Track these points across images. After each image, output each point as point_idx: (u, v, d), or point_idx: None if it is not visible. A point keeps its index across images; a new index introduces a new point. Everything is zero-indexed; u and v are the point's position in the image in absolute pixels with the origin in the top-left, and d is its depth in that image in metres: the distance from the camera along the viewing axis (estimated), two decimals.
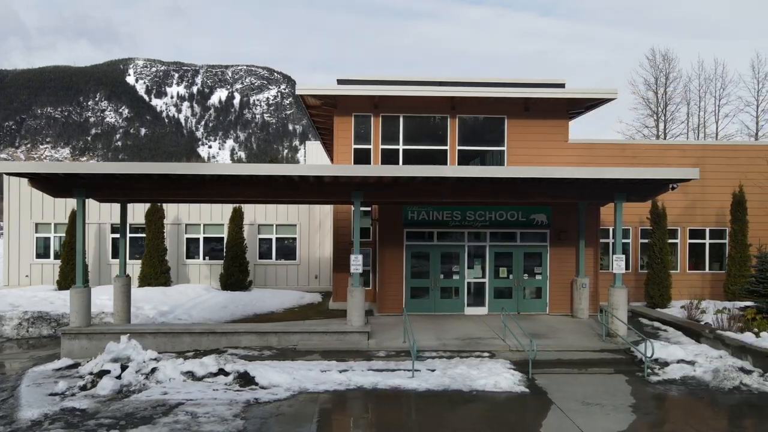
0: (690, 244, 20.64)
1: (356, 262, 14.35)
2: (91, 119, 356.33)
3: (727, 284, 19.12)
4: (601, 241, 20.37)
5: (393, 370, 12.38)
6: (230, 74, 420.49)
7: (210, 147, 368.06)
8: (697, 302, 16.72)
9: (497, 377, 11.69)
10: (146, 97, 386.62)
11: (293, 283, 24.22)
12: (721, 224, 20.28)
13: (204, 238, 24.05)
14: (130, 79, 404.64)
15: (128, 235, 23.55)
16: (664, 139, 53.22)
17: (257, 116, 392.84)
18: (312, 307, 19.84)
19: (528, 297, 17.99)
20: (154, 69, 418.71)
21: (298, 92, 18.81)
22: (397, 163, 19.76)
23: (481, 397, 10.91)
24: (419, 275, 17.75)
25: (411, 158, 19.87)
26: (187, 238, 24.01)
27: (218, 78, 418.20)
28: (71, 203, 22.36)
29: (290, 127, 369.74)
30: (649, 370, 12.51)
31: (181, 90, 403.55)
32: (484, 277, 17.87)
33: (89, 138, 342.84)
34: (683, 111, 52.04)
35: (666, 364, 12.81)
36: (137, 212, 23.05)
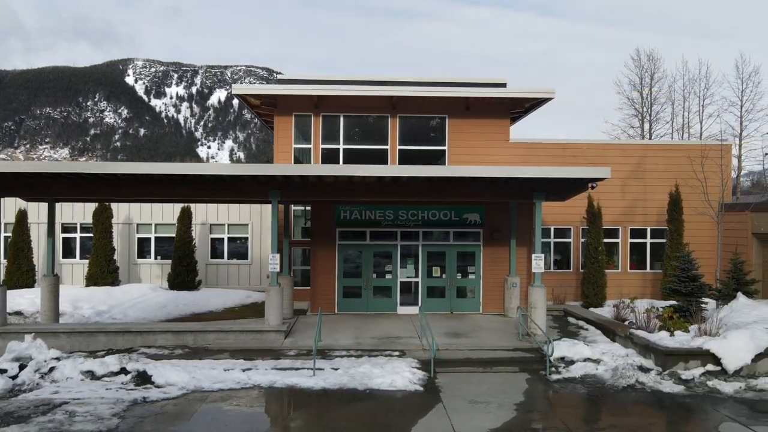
0: (631, 243, 20.65)
1: (273, 261, 14.41)
2: (90, 120, 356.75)
3: (663, 283, 19.13)
4: (543, 240, 20.44)
5: (297, 369, 12.44)
6: (229, 74, 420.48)
7: (209, 147, 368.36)
8: (630, 301, 16.74)
9: (395, 376, 11.75)
10: (145, 98, 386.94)
11: (245, 283, 24.27)
12: (662, 224, 20.27)
13: (156, 237, 24.10)
14: (130, 80, 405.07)
15: (79, 234, 23.79)
16: (650, 139, 53.27)
17: (256, 117, 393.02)
18: (253, 307, 19.88)
19: (461, 296, 18.03)
20: (153, 69, 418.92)
21: (234, 92, 18.90)
22: (338, 162, 19.81)
23: (374, 395, 10.97)
24: (352, 275, 17.80)
25: (352, 158, 19.91)
26: (138, 238, 24.07)
27: (217, 78, 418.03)
28: (20, 203, 22.45)
29: None
30: (552, 369, 12.57)
31: (181, 90, 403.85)
32: (417, 276, 17.92)
33: (88, 138, 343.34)
34: (668, 111, 51.93)
35: (572, 362, 12.87)
36: (87, 212, 23.13)
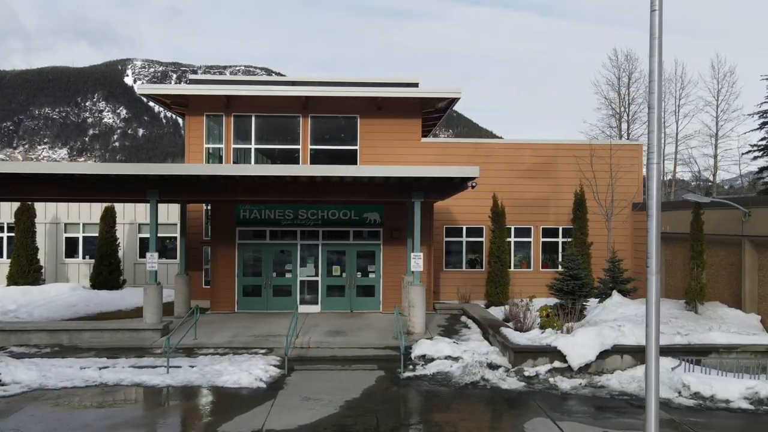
0: (543, 242, 20.76)
1: (151, 260, 14.58)
2: (89, 120, 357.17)
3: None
4: (456, 240, 20.59)
5: (154, 367, 12.58)
6: (228, 74, 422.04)
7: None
8: (528, 300, 16.84)
9: (243, 374, 11.88)
10: (144, 98, 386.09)
11: (173, 282, 24.42)
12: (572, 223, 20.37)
13: (84, 237, 24.30)
14: (128, 80, 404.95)
15: (6, 234, 23.98)
16: (627, 139, 53.30)
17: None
18: (164, 306, 20.02)
19: (361, 295, 18.17)
20: (152, 69, 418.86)
21: (141, 92, 19.11)
22: (250, 162, 19.97)
23: (215, 392, 11.15)
24: (252, 274, 17.97)
25: (264, 157, 20.08)
26: (67, 237, 24.27)
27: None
28: None
29: None
30: (410, 366, 12.71)
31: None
32: (317, 275, 18.07)
33: (87, 139, 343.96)
34: (646, 111, 52.03)
35: (432, 360, 13.00)
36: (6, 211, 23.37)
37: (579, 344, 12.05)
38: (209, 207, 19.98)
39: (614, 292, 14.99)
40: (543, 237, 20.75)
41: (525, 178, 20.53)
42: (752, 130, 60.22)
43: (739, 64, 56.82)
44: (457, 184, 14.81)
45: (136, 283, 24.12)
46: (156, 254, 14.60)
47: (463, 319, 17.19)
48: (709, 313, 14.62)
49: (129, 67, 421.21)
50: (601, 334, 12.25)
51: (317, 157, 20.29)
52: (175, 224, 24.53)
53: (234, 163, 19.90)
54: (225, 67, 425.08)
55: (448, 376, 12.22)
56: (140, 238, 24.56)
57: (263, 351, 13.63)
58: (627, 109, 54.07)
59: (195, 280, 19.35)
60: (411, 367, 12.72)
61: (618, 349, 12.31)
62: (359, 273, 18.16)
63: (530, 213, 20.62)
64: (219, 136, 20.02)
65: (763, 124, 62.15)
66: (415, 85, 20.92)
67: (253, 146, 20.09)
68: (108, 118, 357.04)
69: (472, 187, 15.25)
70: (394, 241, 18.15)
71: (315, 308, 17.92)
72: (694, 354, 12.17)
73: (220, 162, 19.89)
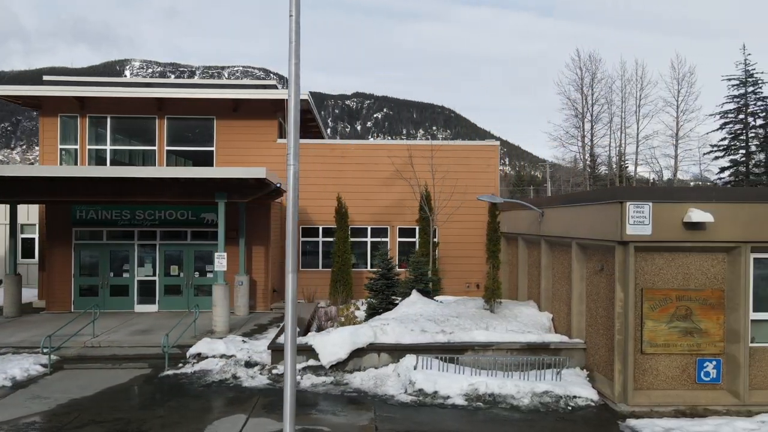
0: (399, 242, 20.89)
1: None
2: None
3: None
4: (311, 240, 20.74)
5: None
6: (227, 75, 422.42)
7: None
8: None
9: None
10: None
11: (34, 283, 24.64)
12: None
13: None
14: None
15: None
16: (591, 139, 53.33)
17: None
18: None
19: (199, 294, 18.35)
20: (150, 70, 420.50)
21: None
22: (105, 164, 20.17)
23: None
24: (89, 273, 18.17)
25: (120, 159, 20.28)
26: None
27: (215, 79, 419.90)
28: None
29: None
30: (181, 364, 12.88)
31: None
32: (154, 275, 18.27)
33: None
34: (608, 112, 52.45)
35: (205, 358, 13.17)
36: None
37: (330, 343, 12.20)
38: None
39: (413, 291, 15.13)
40: (399, 237, 20.88)
41: (381, 178, 20.68)
42: (713, 131, 60.13)
43: (698, 65, 56.69)
44: (256, 185, 14.97)
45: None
46: None
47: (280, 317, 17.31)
48: (506, 311, 14.74)
49: (127, 67, 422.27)
50: (356, 333, 12.40)
51: (174, 158, 20.51)
52: (34, 224, 24.83)
53: (90, 164, 20.11)
54: (223, 68, 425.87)
55: (205, 373, 12.38)
56: (23, 239, 24.78)
57: (46, 350, 13.77)
58: (590, 110, 54.21)
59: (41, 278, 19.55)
60: (180, 365, 12.89)
61: (375, 348, 12.45)
62: (197, 273, 18.34)
63: (387, 213, 20.76)
64: (74, 137, 20.23)
65: (724, 124, 62.16)
66: (274, 87, 21.12)
67: (108, 147, 20.29)
68: None
69: (278, 186, 15.42)
70: (231, 242, 18.32)
71: (152, 308, 18.11)
72: (452, 352, 12.31)
73: (76, 164, 20.10)
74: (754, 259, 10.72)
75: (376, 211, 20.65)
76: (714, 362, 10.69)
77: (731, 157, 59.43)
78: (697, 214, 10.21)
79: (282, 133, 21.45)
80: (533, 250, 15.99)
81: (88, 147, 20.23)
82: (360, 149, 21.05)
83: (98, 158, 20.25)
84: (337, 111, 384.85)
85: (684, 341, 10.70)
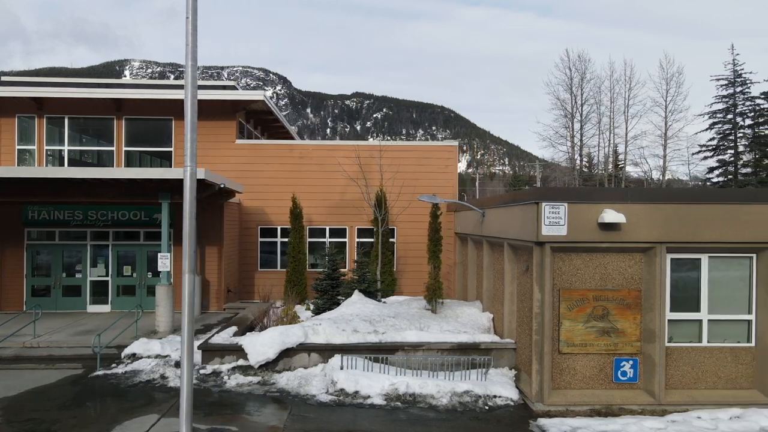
0: (358, 242, 20.94)
1: None
2: None
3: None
4: (270, 240, 20.79)
5: None
6: (226, 75, 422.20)
7: None
8: (289, 299, 17.06)
9: None
10: None
11: None
12: (390, 223, 20.55)
13: None
14: (127, 80, 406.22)
15: None
16: (580, 139, 53.35)
17: None
18: None
19: (152, 295, 18.36)
20: (150, 70, 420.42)
21: None
22: (63, 164, 20.23)
23: None
24: (42, 274, 18.22)
25: (77, 159, 20.35)
26: None
27: (214, 79, 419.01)
28: None
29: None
30: (114, 364, 12.94)
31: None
32: (107, 275, 18.32)
33: None
34: (597, 111, 52.63)
35: (139, 358, 13.22)
36: None
37: (259, 343, 12.25)
38: None
39: (355, 291, 15.18)
40: (358, 237, 20.93)
41: (340, 179, 20.71)
42: (702, 131, 60.21)
43: (687, 65, 56.55)
44: (199, 186, 14.99)
45: None
46: None
47: (235, 318, 17.36)
48: (448, 312, 14.79)
49: (127, 67, 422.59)
50: (286, 333, 12.45)
51: (132, 159, 20.57)
52: None
53: (48, 165, 20.18)
54: (223, 68, 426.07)
55: (135, 373, 12.43)
56: None
57: None
58: (580, 110, 54.26)
59: None
60: (114, 365, 12.94)
61: (306, 348, 12.50)
62: (150, 273, 18.39)
63: (345, 213, 20.80)
64: (32, 137, 20.29)
65: (713, 124, 62.21)
66: (234, 88, 21.18)
67: (66, 148, 20.36)
68: None
69: (221, 187, 15.48)
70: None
71: (105, 308, 18.17)
72: (382, 352, 12.36)
73: (33, 164, 20.16)
74: (672, 259, 10.76)
75: (334, 211, 20.71)
76: (631, 362, 10.74)
77: (720, 157, 59.49)
78: (610, 215, 10.25)
79: (243, 134, 21.54)
80: (479, 251, 16.04)
81: (46, 147, 20.30)
82: (319, 150, 21.10)
83: (56, 159, 20.31)
84: (336, 111, 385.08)
85: (601, 341, 10.75)
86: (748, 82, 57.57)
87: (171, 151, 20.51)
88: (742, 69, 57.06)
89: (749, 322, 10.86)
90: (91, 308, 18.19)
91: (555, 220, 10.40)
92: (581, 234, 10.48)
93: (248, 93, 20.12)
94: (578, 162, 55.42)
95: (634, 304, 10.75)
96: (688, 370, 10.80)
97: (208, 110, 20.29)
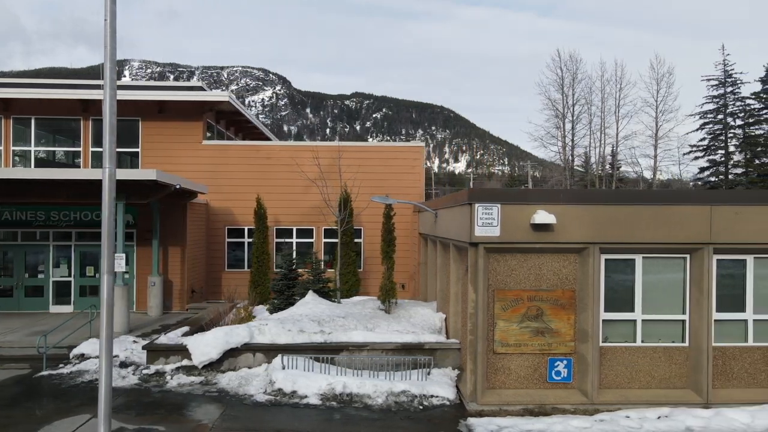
0: (325, 243, 20.99)
1: None
2: None
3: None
4: (236, 240, 20.84)
5: None
6: (225, 75, 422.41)
7: None
8: (245, 300, 17.16)
9: None
10: None
11: None
12: (358, 224, 20.60)
13: None
14: (126, 81, 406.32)
15: None
16: (572, 139, 53.33)
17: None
18: None
19: None
20: (149, 70, 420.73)
21: None
22: (30, 165, 20.30)
23: None
24: (4, 275, 18.28)
25: (46, 159, 20.43)
26: None
27: (213, 79, 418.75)
28: None
29: (285, 128, 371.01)
30: (62, 365, 13.00)
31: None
32: (70, 276, 18.38)
33: None
34: (589, 112, 52.71)
35: (88, 358, 13.27)
36: None
37: (203, 343, 12.31)
38: None
39: (309, 291, 15.23)
40: (325, 237, 20.98)
41: (307, 179, 20.72)
42: (693, 131, 60.21)
43: (677, 65, 56.65)
44: (153, 187, 15.08)
45: None
46: None
47: (191, 319, 17.43)
48: (402, 312, 14.82)
49: (126, 68, 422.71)
50: (230, 333, 12.50)
51: (100, 159, 20.61)
52: None
53: (15, 165, 20.25)
54: (222, 68, 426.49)
55: (80, 374, 12.47)
56: None
57: None
58: (571, 110, 54.25)
59: None
60: (61, 365, 12.99)
61: (251, 348, 12.55)
62: None
63: (312, 214, 20.83)
64: None
65: (704, 124, 62.20)
66: (201, 89, 21.24)
67: (32, 148, 20.44)
68: None
69: (177, 188, 15.53)
70: (147, 243, 18.44)
71: (68, 308, 18.22)
72: (327, 352, 12.41)
73: (0, 165, 20.23)
74: (606, 260, 10.81)
75: (302, 212, 20.76)
76: (565, 362, 10.79)
77: (710, 157, 59.55)
78: (541, 216, 10.30)
79: (214, 134, 21.61)
80: (435, 251, 16.10)
81: (12, 148, 20.37)
82: (286, 150, 21.17)
83: (23, 159, 20.38)
84: (336, 111, 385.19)
85: (536, 341, 10.80)
86: (738, 82, 57.58)
87: (138, 152, 20.57)
88: (733, 69, 56.96)
89: (683, 322, 10.91)
90: (54, 308, 18.24)
91: (488, 221, 10.46)
92: (515, 235, 10.53)
93: (213, 94, 20.21)
94: (570, 162, 55.36)
95: (569, 305, 10.79)
96: (622, 369, 10.84)
97: (174, 111, 20.38)
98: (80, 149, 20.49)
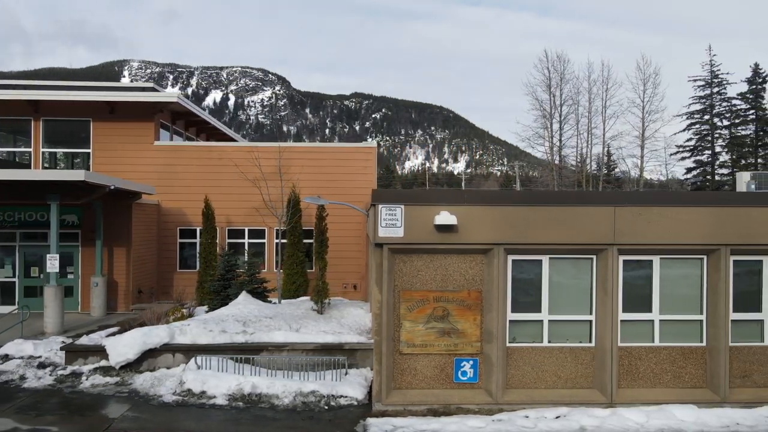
0: (277, 243, 20.97)
1: None
2: None
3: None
4: (181, 241, 20.83)
5: None
6: (225, 75, 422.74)
7: None
8: (192, 300, 17.15)
9: None
10: None
11: None
12: (310, 225, 20.56)
13: None
14: (125, 81, 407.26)
15: None
16: (559, 140, 53.18)
17: (251, 117, 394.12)
18: None
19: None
20: (149, 71, 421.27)
21: None
22: None
23: None
24: None
25: None
26: None
27: (213, 79, 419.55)
28: None
29: (284, 128, 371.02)
30: None
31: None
32: (14, 276, 18.39)
33: None
34: (576, 112, 52.61)
35: (12, 359, 13.26)
36: None
37: (121, 344, 12.31)
38: None
39: (243, 292, 15.24)
40: (277, 238, 20.95)
41: (258, 180, 20.70)
42: (680, 132, 60.04)
43: (664, 65, 56.43)
44: (86, 187, 15.08)
45: None
46: None
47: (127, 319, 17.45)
48: (334, 313, 14.84)
49: (126, 68, 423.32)
50: (148, 333, 12.51)
51: (51, 160, 20.65)
52: None
53: None
54: (222, 68, 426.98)
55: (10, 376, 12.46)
56: None
57: None
58: (559, 110, 54.08)
59: None
60: None
61: (170, 348, 12.57)
62: (58, 274, 18.40)
63: (263, 215, 20.78)
64: None
65: (690, 125, 62.08)
66: (152, 90, 21.25)
67: None
68: None
69: (111, 188, 15.54)
70: (89, 243, 18.45)
71: (12, 308, 18.19)
72: (247, 352, 12.41)
73: None
74: (512, 261, 10.81)
75: (253, 212, 20.68)
76: (471, 362, 10.79)
77: (697, 157, 59.53)
78: (443, 216, 10.30)
79: (170, 135, 21.61)
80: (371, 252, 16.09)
81: None
82: (237, 151, 21.17)
83: None
84: (335, 111, 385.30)
85: (442, 341, 10.80)
86: (725, 83, 57.57)
87: (89, 153, 20.59)
88: (719, 70, 56.87)
89: (590, 322, 10.91)
90: None
91: (392, 222, 10.46)
92: (419, 236, 10.53)
93: (162, 94, 20.22)
94: (557, 162, 55.06)
95: (475, 305, 10.79)
96: (528, 370, 10.84)
97: (125, 112, 20.39)
98: (30, 150, 20.50)
